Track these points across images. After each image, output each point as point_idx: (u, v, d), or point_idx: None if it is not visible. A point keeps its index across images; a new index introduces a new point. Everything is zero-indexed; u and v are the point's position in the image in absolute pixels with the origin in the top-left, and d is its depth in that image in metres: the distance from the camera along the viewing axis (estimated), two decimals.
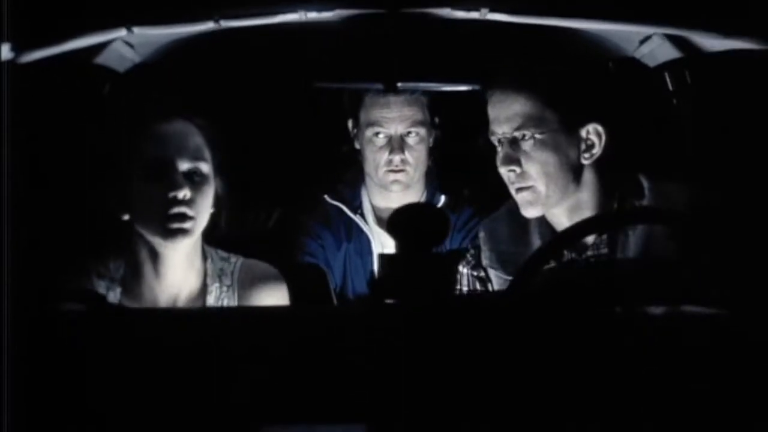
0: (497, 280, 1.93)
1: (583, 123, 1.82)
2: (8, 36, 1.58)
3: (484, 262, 1.96)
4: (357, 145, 2.53)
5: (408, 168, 2.45)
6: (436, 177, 2.58)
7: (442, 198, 2.55)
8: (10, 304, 1.29)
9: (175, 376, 1.24)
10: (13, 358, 1.24)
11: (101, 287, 1.81)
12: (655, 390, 1.22)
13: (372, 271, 2.48)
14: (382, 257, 1.36)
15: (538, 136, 1.81)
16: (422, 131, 2.45)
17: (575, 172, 1.83)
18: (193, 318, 1.51)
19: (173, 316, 1.62)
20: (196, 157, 1.78)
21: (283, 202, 2.68)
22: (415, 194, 2.53)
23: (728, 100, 2.10)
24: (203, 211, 1.78)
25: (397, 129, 2.43)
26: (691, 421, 1.22)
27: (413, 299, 1.31)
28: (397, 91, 2.38)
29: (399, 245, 1.34)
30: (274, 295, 1.90)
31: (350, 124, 2.54)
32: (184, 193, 1.73)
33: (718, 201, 1.82)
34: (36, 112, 1.77)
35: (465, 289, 2.00)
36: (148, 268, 1.81)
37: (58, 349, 1.26)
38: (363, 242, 2.51)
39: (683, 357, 1.25)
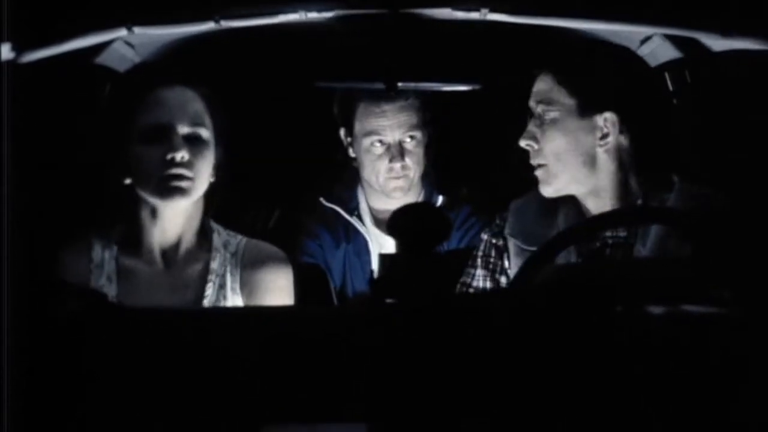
0: (515, 250, 1.97)
1: (600, 110, 1.86)
2: (9, 36, 1.58)
3: (507, 231, 2.00)
4: (352, 154, 2.52)
5: (408, 173, 2.45)
6: (433, 176, 2.58)
7: (440, 197, 2.55)
8: (10, 302, 1.29)
9: (175, 375, 1.24)
10: (13, 356, 1.24)
11: (98, 245, 1.86)
12: (654, 390, 1.22)
13: (371, 272, 2.48)
14: (383, 257, 1.36)
15: (553, 114, 1.87)
16: (419, 134, 2.44)
17: (588, 157, 1.88)
18: (194, 317, 1.51)
19: (173, 314, 1.62)
20: (196, 121, 1.82)
21: (283, 203, 2.68)
22: (413, 195, 2.53)
23: (728, 100, 2.10)
24: (202, 175, 1.82)
25: (395, 136, 2.42)
26: (690, 422, 1.22)
27: (414, 299, 1.31)
28: (397, 92, 2.38)
29: (399, 245, 1.34)
30: (279, 275, 1.92)
31: (343, 133, 2.53)
32: (182, 155, 1.77)
33: (721, 201, 1.83)
34: (36, 112, 1.77)
35: (480, 254, 2.04)
36: (147, 227, 1.85)
37: (58, 347, 1.25)
38: (361, 243, 2.52)
39: (683, 357, 1.25)
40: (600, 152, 1.87)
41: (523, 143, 1.92)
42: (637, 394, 1.22)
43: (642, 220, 1.84)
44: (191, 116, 1.81)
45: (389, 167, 2.43)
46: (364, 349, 1.23)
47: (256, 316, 1.48)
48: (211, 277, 1.87)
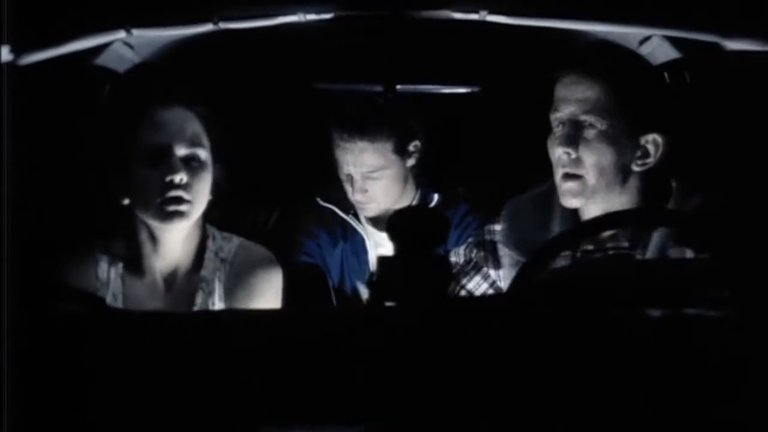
0: (508, 260, 1.93)
1: (647, 130, 1.79)
2: (8, 38, 1.58)
3: (500, 239, 1.95)
4: None
5: (375, 197, 2.44)
6: (429, 176, 2.58)
7: (435, 196, 2.55)
8: (10, 304, 1.29)
9: (174, 377, 1.24)
10: (13, 357, 1.24)
11: (104, 262, 1.86)
12: (654, 391, 1.22)
13: (368, 271, 2.49)
14: (382, 259, 1.36)
15: (602, 126, 1.76)
16: (386, 171, 2.42)
17: (624, 175, 1.80)
18: (193, 319, 1.51)
19: (173, 317, 1.62)
20: (194, 143, 1.80)
21: (281, 203, 2.68)
22: (407, 195, 2.54)
23: (728, 100, 2.10)
24: (200, 197, 1.81)
25: (357, 172, 2.42)
26: (690, 422, 1.22)
27: (413, 301, 1.31)
28: (395, 93, 2.37)
29: (398, 247, 1.34)
30: (267, 279, 1.92)
31: None
32: (181, 177, 1.76)
33: (719, 202, 1.83)
34: (36, 114, 1.77)
35: (473, 258, 1.99)
36: (147, 247, 1.85)
37: (57, 351, 1.26)
38: (358, 242, 2.52)
39: (684, 358, 1.25)
40: (634, 170, 1.80)
41: (560, 150, 1.79)
42: (637, 394, 1.22)
43: (641, 223, 1.80)
44: (189, 137, 1.80)
45: (354, 197, 2.45)
46: (363, 350, 1.23)
47: (255, 317, 1.48)
48: (201, 285, 1.87)
